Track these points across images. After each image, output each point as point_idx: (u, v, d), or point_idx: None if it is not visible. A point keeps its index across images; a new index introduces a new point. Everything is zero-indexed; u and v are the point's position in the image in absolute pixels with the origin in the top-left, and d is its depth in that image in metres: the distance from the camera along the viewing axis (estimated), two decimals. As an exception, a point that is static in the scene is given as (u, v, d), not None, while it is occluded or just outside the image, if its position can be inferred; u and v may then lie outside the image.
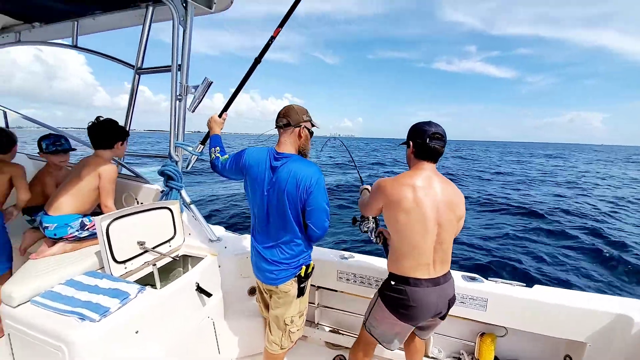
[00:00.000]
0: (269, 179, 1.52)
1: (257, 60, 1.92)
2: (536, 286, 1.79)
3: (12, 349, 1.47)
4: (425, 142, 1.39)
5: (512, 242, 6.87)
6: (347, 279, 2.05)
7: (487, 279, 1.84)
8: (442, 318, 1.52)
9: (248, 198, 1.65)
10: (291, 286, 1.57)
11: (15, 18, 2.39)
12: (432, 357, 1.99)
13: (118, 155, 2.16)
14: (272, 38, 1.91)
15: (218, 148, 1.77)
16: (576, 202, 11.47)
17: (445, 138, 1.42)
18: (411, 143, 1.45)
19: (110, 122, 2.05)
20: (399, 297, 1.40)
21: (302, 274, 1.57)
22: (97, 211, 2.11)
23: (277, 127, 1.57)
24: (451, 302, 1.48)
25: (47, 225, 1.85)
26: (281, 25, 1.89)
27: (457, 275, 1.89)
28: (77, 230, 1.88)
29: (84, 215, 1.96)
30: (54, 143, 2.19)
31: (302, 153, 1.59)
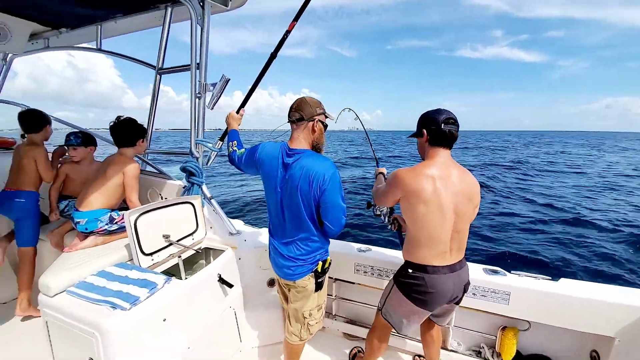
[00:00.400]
0: (281, 176, 1.49)
1: (273, 55, 1.93)
2: (562, 279, 1.74)
3: (49, 335, 1.58)
4: (440, 128, 1.38)
5: (542, 234, 6.60)
6: (365, 272, 2.06)
7: (509, 272, 1.80)
8: (457, 303, 1.54)
9: (265, 193, 1.64)
10: (308, 281, 1.57)
11: (44, 25, 2.52)
12: (451, 350, 1.98)
13: (139, 152, 2.27)
14: (287, 32, 1.91)
15: (235, 142, 1.79)
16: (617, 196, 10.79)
17: (457, 123, 1.41)
18: (424, 131, 1.44)
19: (131, 121, 2.15)
20: (416, 285, 1.43)
21: (319, 269, 1.56)
22: (124, 206, 2.22)
23: (290, 121, 1.52)
24: (466, 287, 1.51)
25: (78, 220, 1.97)
26: (296, 19, 1.89)
27: (478, 268, 1.86)
28: (107, 224, 2.00)
29: (112, 210, 2.08)
30: (66, 138, 2.35)
31: (316, 147, 1.54)
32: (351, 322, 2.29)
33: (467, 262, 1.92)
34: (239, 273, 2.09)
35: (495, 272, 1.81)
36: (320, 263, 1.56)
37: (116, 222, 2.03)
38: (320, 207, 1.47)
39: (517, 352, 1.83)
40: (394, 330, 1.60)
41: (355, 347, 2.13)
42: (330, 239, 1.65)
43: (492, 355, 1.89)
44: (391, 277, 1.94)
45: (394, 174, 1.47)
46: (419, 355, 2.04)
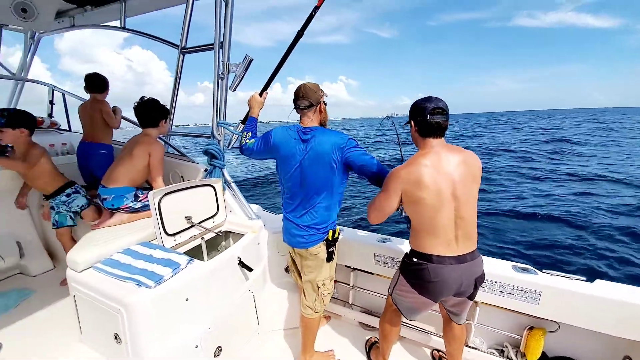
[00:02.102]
0: (302, 151, 1.62)
1: (300, 34, 1.84)
2: (598, 280, 1.64)
3: (77, 309, 1.63)
4: (425, 119, 1.36)
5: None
6: (385, 262, 2.02)
7: (541, 271, 1.71)
8: (471, 298, 1.49)
9: (279, 176, 1.76)
10: (320, 249, 1.69)
11: (69, 2, 2.53)
12: (472, 347, 1.93)
13: (162, 133, 2.27)
14: (316, 8, 1.81)
15: (250, 134, 1.85)
16: None
17: (446, 111, 1.37)
18: (412, 122, 1.43)
19: (154, 101, 2.15)
20: (419, 274, 1.42)
21: (330, 238, 1.69)
22: (146, 186, 2.25)
23: (301, 109, 1.66)
24: (478, 281, 1.44)
25: (105, 197, 2.01)
26: None
27: (507, 265, 1.78)
28: (132, 202, 2.04)
29: (137, 189, 2.11)
30: None
31: (323, 124, 1.72)
32: (368, 312, 2.27)
33: (495, 258, 1.85)
34: (257, 257, 2.09)
35: (526, 270, 1.73)
36: (331, 232, 1.69)
37: (140, 200, 2.07)
38: (352, 167, 1.61)
39: (543, 353, 1.77)
40: (410, 323, 1.59)
41: (373, 337, 2.12)
42: (338, 212, 1.76)
43: (517, 355, 1.83)
44: None
45: (390, 173, 1.46)
46: (438, 350, 2.00)
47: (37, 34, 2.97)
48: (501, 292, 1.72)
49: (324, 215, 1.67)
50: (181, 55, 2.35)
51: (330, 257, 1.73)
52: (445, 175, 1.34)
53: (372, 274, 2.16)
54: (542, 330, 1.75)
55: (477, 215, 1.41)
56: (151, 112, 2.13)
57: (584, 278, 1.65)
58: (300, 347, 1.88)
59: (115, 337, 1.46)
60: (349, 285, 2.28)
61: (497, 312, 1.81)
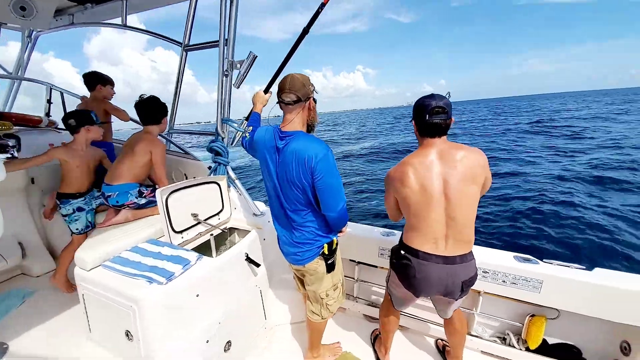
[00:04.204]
0: (276, 161, 1.42)
1: (305, 31, 1.83)
2: (597, 269, 1.69)
3: (85, 307, 1.64)
4: (425, 120, 1.36)
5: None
6: (389, 256, 2.06)
7: (542, 261, 1.76)
8: (457, 299, 1.50)
9: (263, 179, 1.58)
10: (317, 264, 1.54)
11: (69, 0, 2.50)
12: (475, 335, 1.98)
13: (162, 130, 2.28)
14: (322, 5, 1.75)
15: (251, 128, 1.68)
16: None
17: (448, 110, 1.35)
18: (414, 122, 1.44)
19: (154, 99, 2.17)
20: (405, 267, 1.46)
21: (326, 251, 1.52)
22: (149, 183, 2.26)
23: (285, 104, 1.40)
24: (465, 284, 1.42)
25: (109, 194, 2.02)
26: None
27: (508, 255, 1.82)
28: (136, 197, 2.05)
29: (140, 185, 2.12)
30: None
31: (311, 125, 1.48)
32: (372, 304, 2.31)
33: (497, 250, 1.89)
34: (263, 253, 2.11)
35: (527, 260, 1.77)
36: (326, 245, 1.52)
37: (145, 196, 2.09)
38: (316, 192, 1.38)
39: (543, 340, 1.82)
40: (413, 314, 1.64)
41: (377, 329, 2.16)
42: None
43: (518, 342, 1.88)
44: None
45: (385, 178, 1.50)
46: (442, 339, 2.05)
47: (34, 32, 2.93)
48: (503, 281, 1.76)
49: (315, 230, 1.48)
50: (184, 53, 2.35)
51: (330, 269, 1.58)
52: (436, 174, 1.34)
53: (376, 267, 2.19)
54: (543, 318, 1.80)
55: (474, 217, 1.37)
56: (152, 110, 2.15)
57: (584, 267, 1.70)
58: (307, 340, 1.92)
59: (127, 335, 1.48)
60: (353, 278, 2.31)
61: (499, 301, 1.86)
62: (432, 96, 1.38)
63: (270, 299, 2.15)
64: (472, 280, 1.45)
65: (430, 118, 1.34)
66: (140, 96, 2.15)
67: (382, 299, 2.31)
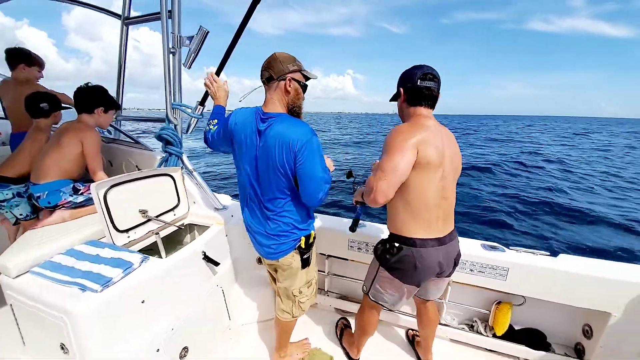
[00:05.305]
0: (256, 144, 1.31)
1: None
2: (561, 255, 1.70)
3: (16, 319, 1.44)
4: (415, 84, 1.25)
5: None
6: (359, 248, 1.98)
7: (508, 248, 1.75)
8: (449, 275, 1.47)
9: (236, 167, 1.45)
10: (292, 259, 1.45)
11: None
12: (444, 324, 1.97)
13: (100, 124, 2.01)
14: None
15: (216, 120, 1.52)
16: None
17: (438, 78, 1.26)
18: (402, 90, 1.31)
19: (95, 88, 1.93)
20: (403, 261, 1.32)
21: (303, 245, 1.43)
22: (87, 178, 2.01)
23: (263, 82, 1.35)
24: (457, 259, 1.42)
25: (38, 195, 1.77)
26: None
27: (476, 244, 1.80)
28: (71, 195, 1.81)
29: (75, 181, 1.88)
30: None
31: (293, 111, 1.35)
32: (344, 297, 2.25)
33: (466, 238, 1.86)
34: (226, 250, 1.96)
35: (494, 247, 1.76)
36: (304, 238, 1.43)
37: (82, 193, 1.84)
38: (297, 178, 1.30)
39: (510, 326, 1.83)
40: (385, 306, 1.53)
41: (341, 320, 2.09)
42: (313, 215, 1.52)
43: (485, 329, 1.89)
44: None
45: (394, 133, 1.24)
46: (412, 329, 2.02)
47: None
48: (471, 270, 1.74)
49: (292, 221, 1.40)
50: (124, 27, 2.07)
51: (305, 264, 1.49)
52: (440, 151, 1.23)
53: (347, 260, 2.12)
54: (509, 305, 1.81)
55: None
56: (88, 97, 1.90)
57: (548, 253, 1.70)
58: (274, 339, 1.81)
59: (62, 347, 1.31)
60: (324, 272, 2.23)
61: (467, 289, 1.84)
62: (418, 66, 1.28)
63: (235, 297, 2.01)
64: (460, 254, 1.44)
65: (423, 82, 1.24)
66: (85, 84, 1.90)
67: (353, 291, 2.25)
